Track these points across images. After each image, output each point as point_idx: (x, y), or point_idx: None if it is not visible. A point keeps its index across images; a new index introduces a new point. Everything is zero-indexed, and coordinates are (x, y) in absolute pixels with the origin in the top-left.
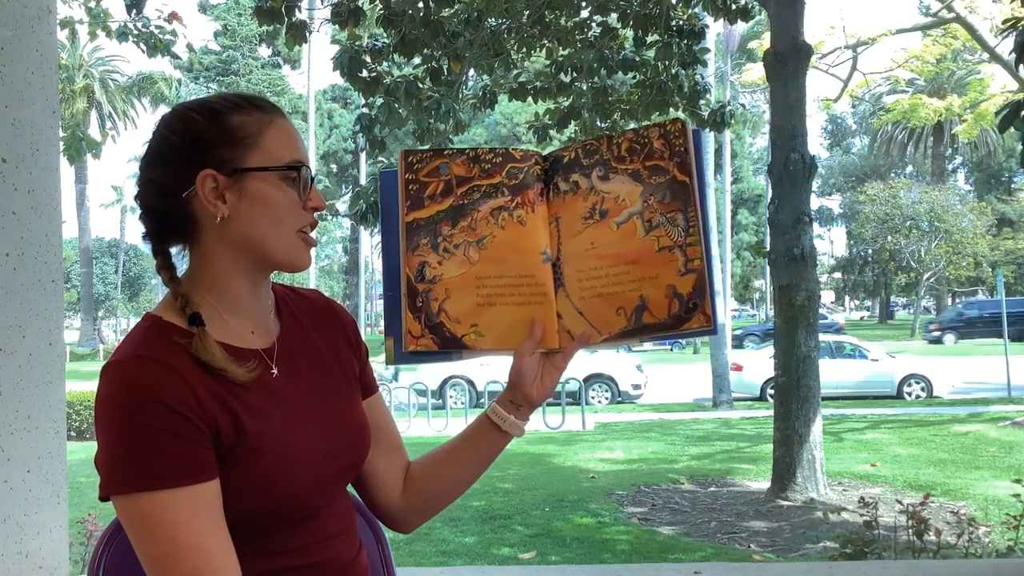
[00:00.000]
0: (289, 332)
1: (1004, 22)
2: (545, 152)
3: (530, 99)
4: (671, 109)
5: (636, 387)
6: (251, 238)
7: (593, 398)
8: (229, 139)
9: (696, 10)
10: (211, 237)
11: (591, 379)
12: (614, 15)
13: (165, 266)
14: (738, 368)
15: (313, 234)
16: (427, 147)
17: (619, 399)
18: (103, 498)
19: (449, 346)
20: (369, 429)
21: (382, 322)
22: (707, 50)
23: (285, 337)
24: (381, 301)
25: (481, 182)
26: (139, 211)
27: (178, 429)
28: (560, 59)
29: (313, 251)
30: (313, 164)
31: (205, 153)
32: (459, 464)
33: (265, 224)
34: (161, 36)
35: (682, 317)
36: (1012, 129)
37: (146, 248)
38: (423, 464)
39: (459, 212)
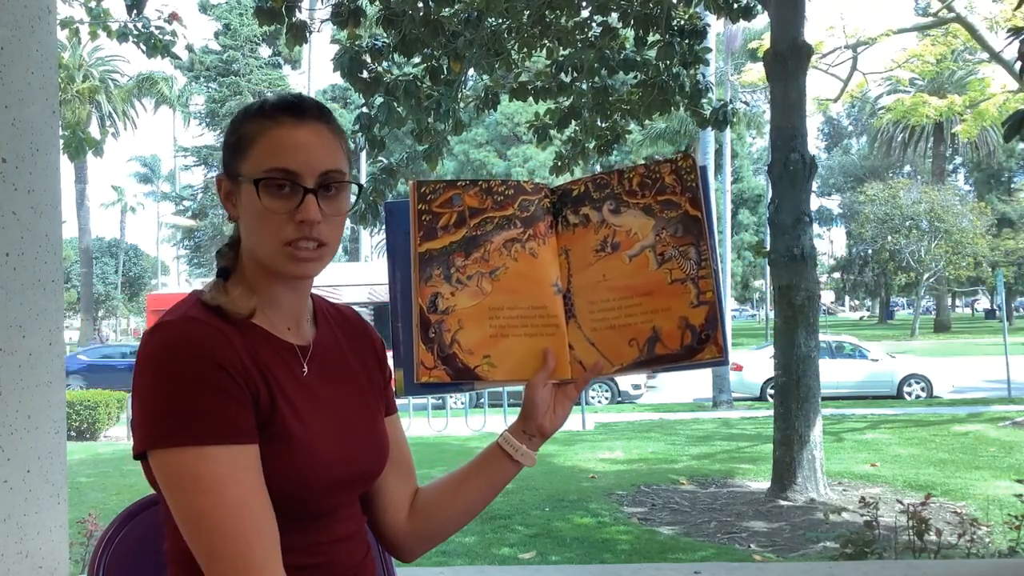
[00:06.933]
0: (324, 338)
1: (1008, 31)
2: (554, 185)
3: (530, 99)
4: (672, 109)
5: (636, 387)
6: (246, 242)
7: (593, 398)
8: (236, 145)
9: (697, 9)
10: (242, 235)
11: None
12: (615, 15)
13: (223, 255)
14: (738, 368)
15: (308, 248)
16: (440, 179)
17: (619, 399)
18: (139, 453)
19: (462, 377)
20: (388, 443)
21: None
22: (708, 49)
23: (320, 341)
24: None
25: (494, 214)
26: None
27: (227, 389)
28: (560, 59)
29: (313, 265)
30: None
31: (224, 158)
32: (469, 491)
33: (249, 231)
34: (161, 37)
35: (695, 348)
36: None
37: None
38: (432, 490)
39: (472, 243)
